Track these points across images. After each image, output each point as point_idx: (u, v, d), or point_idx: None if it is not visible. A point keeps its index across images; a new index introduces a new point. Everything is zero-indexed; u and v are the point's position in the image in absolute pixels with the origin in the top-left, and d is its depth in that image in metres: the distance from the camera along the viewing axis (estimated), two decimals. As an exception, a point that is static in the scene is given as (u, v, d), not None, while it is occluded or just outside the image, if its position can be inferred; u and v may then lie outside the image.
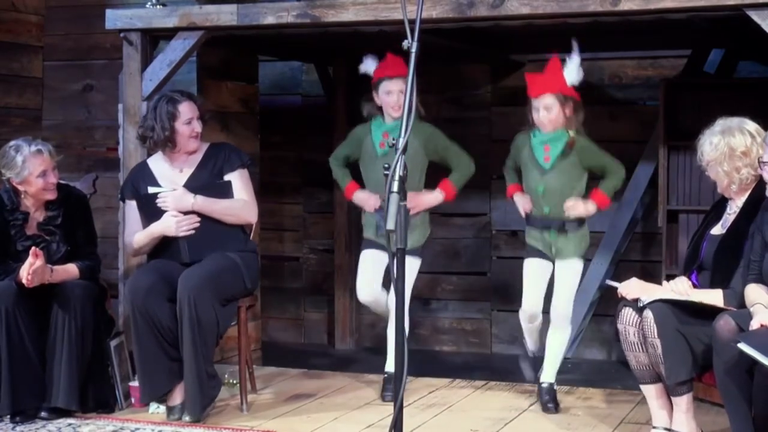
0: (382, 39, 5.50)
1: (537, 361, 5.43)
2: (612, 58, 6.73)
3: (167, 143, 5.23)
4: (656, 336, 4.30)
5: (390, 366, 5.47)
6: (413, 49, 3.42)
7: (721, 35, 5.92)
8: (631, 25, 5.31)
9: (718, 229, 4.58)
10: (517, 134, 5.36)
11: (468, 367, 6.51)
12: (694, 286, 4.51)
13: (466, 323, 7.18)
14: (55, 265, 5.09)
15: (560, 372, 5.40)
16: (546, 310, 5.34)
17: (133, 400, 5.29)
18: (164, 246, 5.23)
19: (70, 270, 5.16)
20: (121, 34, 5.72)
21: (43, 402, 5.06)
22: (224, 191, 5.26)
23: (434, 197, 5.45)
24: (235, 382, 5.54)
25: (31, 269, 4.88)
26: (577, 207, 5.17)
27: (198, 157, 5.32)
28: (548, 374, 5.33)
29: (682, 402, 4.39)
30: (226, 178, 5.29)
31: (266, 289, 6.97)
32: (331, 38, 5.88)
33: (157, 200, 5.18)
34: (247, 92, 6.57)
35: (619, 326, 4.50)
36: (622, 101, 6.79)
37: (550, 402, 5.25)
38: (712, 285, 4.45)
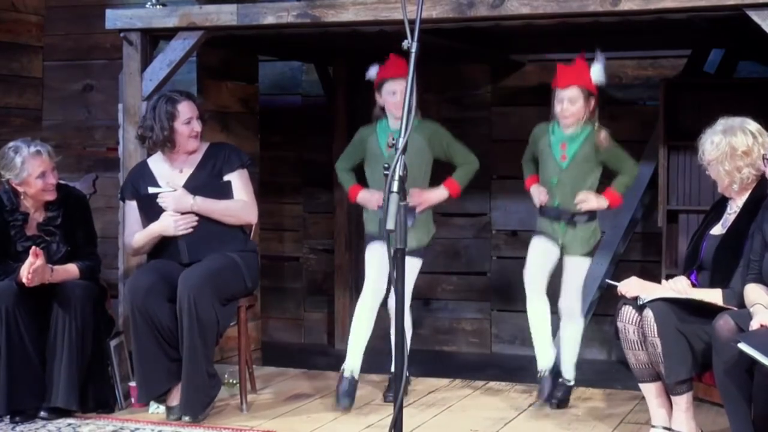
0: (382, 39, 5.50)
1: (555, 380, 5.38)
2: (612, 58, 6.69)
3: (166, 143, 5.23)
4: (656, 335, 4.30)
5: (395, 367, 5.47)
6: (413, 49, 3.42)
7: (721, 35, 5.92)
8: (631, 25, 5.31)
9: (718, 229, 4.58)
10: (537, 125, 5.38)
11: (468, 367, 6.51)
12: (694, 285, 4.51)
13: (466, 323, 7.18)
14: (55, 265, 5.09)
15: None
16: (554, 310, 5.35)
17: (132, 400, 5.29)
18: (164, 246, 5.23)
19: (71, 270, 5.16)
20: (121, 34, 5.72)
21: (42, 402, 5.06)
22: (224, 192, 5.26)
23: (439, 194, 5.46)
24: (235, 382, 5.54)
25: (31, 268, 4.88)
26: (589, 200, 5.20)
27: (198, 158, 5.32)
28: (568, 372, 5.33)
29: (682, 401, 4.39)
30: (226, 178, 5.28)
31: (266, 289, 6.97)
32: (331, 38, 5.88)
33: (157, 200, 5.18)
34: (247, 92, 6.57)
35: (619, 324, 4.49)
36: (622, 101, 6.79)
37: (560, 399, 5.26)
38: (712, 285, 4.45)
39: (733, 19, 4.87)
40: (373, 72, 5.41)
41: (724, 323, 4.05)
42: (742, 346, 3.86)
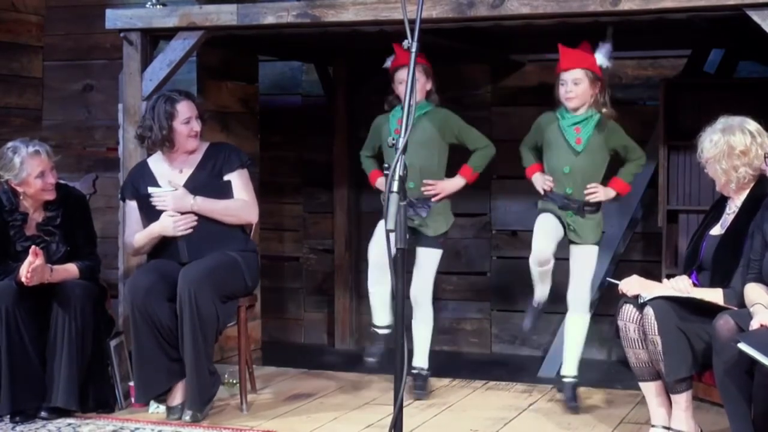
0: (382, 39, 5.50)
1: (541, 313, 5.41)
2: (612, 58, 6.71)
3: (165, 143, 5.23)
4: (656, 333, 4.30)
5: (416, 361, 5.50)
6: (413, 49, 3.42)
7: (721, 35, 5.92)
8: (631, 25, 5.31)
9: (717, 229, 4.58)
10: (542, 114, 5.38)
11: (468, 367, 6.51)
12: (695, 285, 4.51)
13: (466, 323, 7.18)
14: (55, 265, 5.09)
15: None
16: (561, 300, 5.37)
17: (133, 399, 5.28)
18: (164, 246, 5.23)
19: (70, 270, 5.16)
20: (121, 34, 5.72)
21: (42, 402, 5.06)
22: (224, 191, 5.26)
23: (455, 183, 5.49)
24: (235, 381, 5.54)
25: (30, 268, 4.88)
26: (599, 192, 5.22)
27: (197, 158, 5.32)
28: (570, 368, 5.31)
29: (682, 400, 4.39)
30: (226, 178, 5.29)
31: (266, 289, 6.96)
32: (331, 38, 5.88)
33: (152, 200, 5.18)
34: (247, 92, 6.57)
35: (620, 323, 4.49)
36: (622, 101, 6.77)
37: (572, 400, 5.23)
38: (712, 285, 4.45)
39: (733, 19, 4.87)
40: (388, 62, 5.46)
41: (724, 323, 4.05)
42: (742, 346, 3.86)
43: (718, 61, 6.57)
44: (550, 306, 5.48)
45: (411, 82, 3.43)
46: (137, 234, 5.26)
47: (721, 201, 4.66)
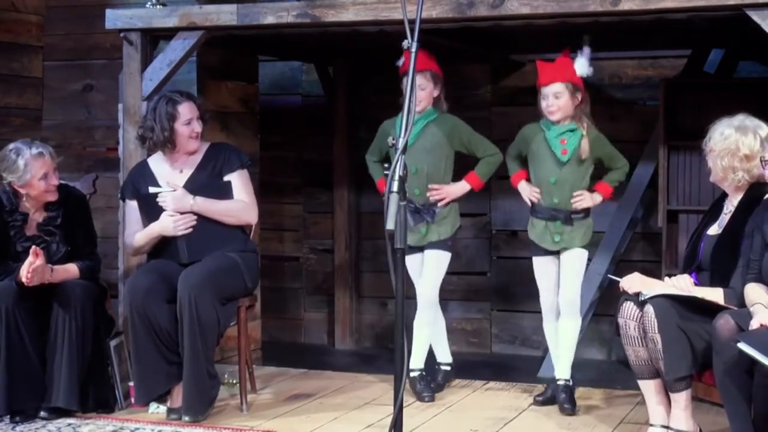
0: (382, 39, 5.50)
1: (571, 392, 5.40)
2: (612, 58, 6.72)
3: (167, 144, 5.23)
4: (657, 331, 4.29)
5: (413, 362, 5.52)
6: (413, 49, 3.42)
7: (721, 35, 5.92)
8: (631, 25, 5.31)
9: (714, 229, 4.58)
10: (526, 125, 5.42)
11: (468, 367, 6.51)
12: (696, 285, 4.51)
13: (466, 323, 7.18)
14: (55, 265, 5.08)
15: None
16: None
17: (132, 400, 5.28)
18: (163, 246, 5.23)
19: (71, 270, 5.16)
20: (121, 34, 5.71)
21: (42, 402, 5.06)
22: (224, 192, 5.26)
23: (461, 187, 5.51)
24: (235, 382, 5.54)
25: (30, 268, 4.88)
26: (585, 199, 5.26)
27: (198, 158, 5.32)
28: (563, 370, 5.33)
29: (681, 398, 4.38)
30: (226, 178, 5.29)
31: (266, 289, 6.96)
32: (331, 38, 5.88)
33: (158, 200, 5.18)
34: (247, 92, 6.57)
35: (620, 320, 4.49)
36: (622, 101, 6.78)
37: (566, 402, 5.24)
38: (712, 285, 4.45)
39: (733, 19, 4.87)
40: (401, 61, 5.46)
41: (725, 323, 4.05)
42: (742, 346, 3.86)
43: (718, 61, 6.57)
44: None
45: (411, 83, 3.42)
46: (137, 234, 5.26)
47: (719, 201, 4.66)
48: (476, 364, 6.68)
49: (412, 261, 5.46)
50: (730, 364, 4.01)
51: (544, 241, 5.30)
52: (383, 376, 5.86)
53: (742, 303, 4.24)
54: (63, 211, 5.24)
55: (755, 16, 4.69)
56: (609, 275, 5.23)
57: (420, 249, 5.48)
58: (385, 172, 3.37)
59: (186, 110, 5.23)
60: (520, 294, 6.88)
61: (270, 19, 5.43)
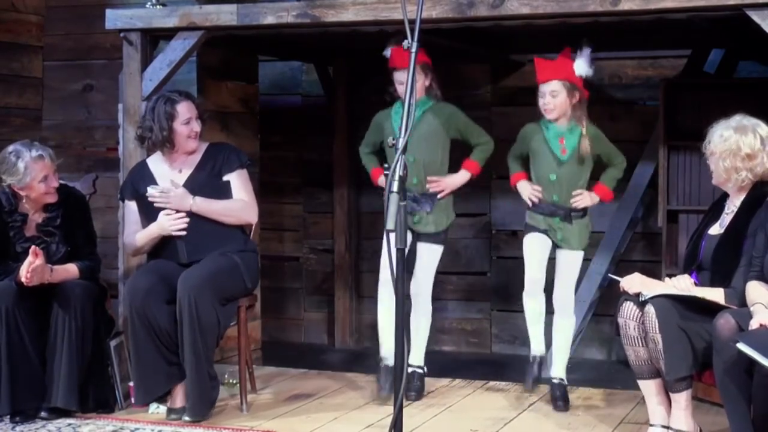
0: (382, 39, 5.50)
1: (541, 366, 5.42)
2: (612, 58, 6.72)
3: (165, 143, 5.23)
4: (657, 331, 4.29)
5: (412, 359, 5.47)
6: (413, 49, 3.42)
7: (721, 35, 5.92)
8: (631, 25, 5.31)
9: (716, 229, 4.57)
10: (526, 124, 5.44)
11: (468, 367, 6.51)
12: (695, 285, 4.51)
13: (466, 323, 7.18)
14: (55, 265, 5.08)
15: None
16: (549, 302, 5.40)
17: (133, 400, 5.28)
18: (163, 246, 5.23)
19: (70, 270, 5.16)
20: (121, 34, 5.71)
21: (42, 402, 5.06)
22: (223, 192, 5.26)
23: (461, 177, 5.52)
24: (235, 382, 5.54)
25: (30, 268, 4.88)
26: (584, 198, 5.28)
27: (197, 158, 5.32)
28: (558, 369, 5.36)
29: (681, 399, 4.38)
30: (225, 178, 5.28)
31: (266, 289, 6.96)
32: (331, 38, 5.88)
33: (150, 198, 5.18)
34: (247, 92, 6.57)
35: (620, 320, 4.49)
36: (622, 101, 6.79)
37: (560, 399, 5.27)
38: (713, 284, 4.45)
39: (733, 19, 4.87)
40: (387, 52, 5.45)
41: (725, 322, 4.05)
42: (741, 346, 3.86)
43: (718, 61, 6.57)
44: (550, 306, 5.47)
45: (411, 83, 3.42)
46: (137, 234, 5.26)
47: (720, 200, 4.66)
48: (476, 364, 6.68)
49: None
50: (730, 363, 4.01)
51: (541, 225, 5.32)
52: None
53: (743, 303, 4.23)
54: (62, 211, 5.23)
55: (755, 16, 4.69)
56: (609, 275, 5.24)
57: (411, 232, 5.44)
58: (385, 172, 3.37)
59: (184, 110, 5.22)
60: (520, 294, 6.86)
61: (270, 19, 5.42)
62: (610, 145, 5.36)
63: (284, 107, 7.43)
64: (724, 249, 4.46)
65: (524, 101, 6.83)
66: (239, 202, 5.27)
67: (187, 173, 5.28)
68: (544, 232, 5.32)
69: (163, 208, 5.16)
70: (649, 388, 4.49)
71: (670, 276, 4.68)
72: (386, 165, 3.39)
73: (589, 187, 5.35)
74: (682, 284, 4.45)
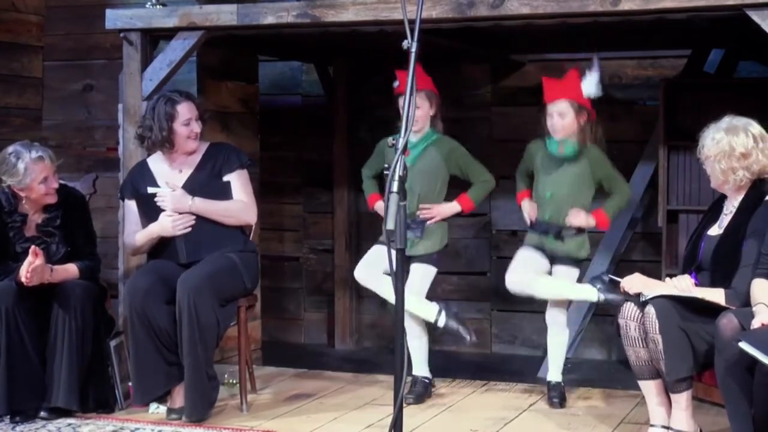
0: (382, 39, 5.50)
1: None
2: (612, 58, 6.72)
3: (165, 144, 5.23)
4: (657, 332, 4.29)
5: (416, 371, 5.49)
6: (413, 49, 3.42)
7: (721, 35, 5.92)
8: (631, 25, 5.31)
9: (715, 230, 4.58)
10: (532, 141, 5.44)
11: (468, 367, 6.51)
12: (695, 285, 4.50)
13: (466, 323, 7.16)
14: (55, 266, 5.08)
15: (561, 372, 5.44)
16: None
17: (132, 400, 5.28)
18: (163, 246, 5.23)
19: (70, 270, 5.16)
20: (121, 34, 5.71)
21: (43, 402, 5.06)
22: (223, 192, 5.26)
23: (451, 208, 5.50)
24: (235, 382, 5.54)
25: (30, 268, 4.88)
26: (579, 217, 5.26)
27: (197, 158, 5.32)
28: (553, 373, 5.41)
29: (682, 399, 4.38)
30: (225, 179, 5.28)
31: (266, 289, 6.96)
32: (331, 38, 5.87)
33: (156, 199, 5.18)
34: (247, 92, 6.57)
35: (620, 321, 4.49)
36: (622, 101, 6.78)
37: (556, 397, 5.33)
38: (713, 285, 4.44)
39: (733, 19, 4.87)
40: (396, 84, 5.44)
41: (728, 321, 4.05)
42: (743, 345, 3.86)
43: (718, 61, 6.57)
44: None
45: (411, 83, 3.42)
46: (137, 234, 5.26)
47: (719, 201, 4.66)
48: (476, 364, 6.68)
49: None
50: (732, 362, 4.01)
51: (536, 244, 5.35)
52: (383, 376, 5.86)
53: (744, 304, 4.23)
54: (62, 211, 5.23)
55: (755, 16, 4.69)
56: (610, 275, 5.23)
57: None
58: (385, 172, 3.36)
59: (185, 110, 5.22)
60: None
61: (270, 19, 5.42)
62: (612, 171, 5.31)
63: (284, 107, 7.43)
64: (724, 250, 4.46)
65: (524, 101, 6.86)
66: (239, 203, 5.27)
67: (187, 173, 5.28)
68: (540, 250, 5.33)
69: (163, 209, 5.17)
70: (650, 388, 4.49)
71: (671, 276, 4.68)
72: (386, 165, 3.39)
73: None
74: (683, 284, 4.45)
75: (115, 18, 5.72)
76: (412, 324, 5.43)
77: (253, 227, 5.49)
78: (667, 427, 4.46)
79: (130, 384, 5.29)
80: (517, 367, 6.53)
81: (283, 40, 6.14)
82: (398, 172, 3.33)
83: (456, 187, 5.57)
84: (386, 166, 3.38)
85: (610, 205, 5.36)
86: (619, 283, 4.58)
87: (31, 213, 5.21)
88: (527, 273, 5.29)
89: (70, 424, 5.02)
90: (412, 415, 5.13)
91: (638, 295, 4.43)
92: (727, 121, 4.50)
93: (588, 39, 5.26)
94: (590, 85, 5.21)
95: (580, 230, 5.31)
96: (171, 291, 5.01)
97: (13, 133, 7.00)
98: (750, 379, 3.98)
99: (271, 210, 7.27)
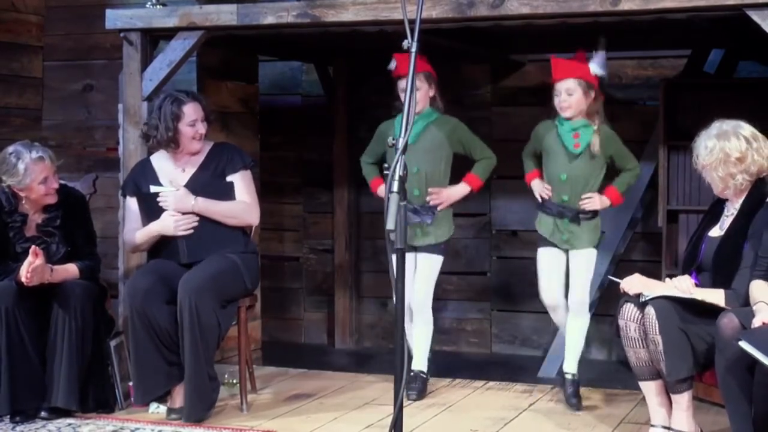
0: (382, 39, 5.50)
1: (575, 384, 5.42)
2: (612, 58, 6.69)
3: (170, 143, 5.23)
4: (657, 332, 4.29)
5: (415, 364, 5.50)
6: (413, 49, 3.42)
7: (721, 35, 5.92)
8: (631, 25, 5.31)
9: (716, 231, 4.57)
10: (540, 122, 5.44)
11: (468, 367, 6.51)
12: (696, 286, 4.50)
13: (466, 323, 7.18)
14: (55, 265, 5.08)
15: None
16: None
17: (132, 400, 5.28)
18: (163, 245, 5.23)
19: (70, 270, 5.16)
20: (121, 34, 5.71)
21: (43, 402, 5.06)
22: (226, 192, 5.26)
23: (460, 189, 5.52)
24: (235, 382, 5.54)
25: (30, 268, 4.88)
26: (594, 201, 5.28)
27: (201, 158, 5.32)
28: (570, 364, 5.37)
29: (682, 400, 4.38)
30: (228, 179, 5.28)
31: (266, 289, 6.96)
32: (331, 38, 5.88)
33: (158, 199, 5.18)
34: (247, 92, 6.57)
35: (620, 322, 4.49)
36: (622, 101, 6.78)
37: (573, 397, 5.29)
38: (714, 286, 4.44)
39: (733, 19, 4.87)
40: (392, 65, 5.44)
41: (728, 321, 4.05)
42: (743, 344, 3.86)
43: (718, 61, 6.57)
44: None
45: (411, 83, 3.42)
46: (137, 232, 5.26)
47: (720, 202, 4.66)
48: (476, 364, 6.68)
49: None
50: (732, 362, 4.01)
51: (553, 237, 5.33)
52: (383, 376, 5.86)
53: (744, 305, 4.23)
54: (62, 211, 5.23)
55: (755, 16, 4.69)
56: (609, 276, 5.24)
57: (412, 248, 5.47)
58: (385, 171, 3.37)
59: (191, 111, 5.22)
60: (520, 294, 6.88)
61: (270, 19, 5.43)
62: (623, 147, 5.35)
63: (284, 107, 7.43)
64: (725, 252, 4.46)
65: (524, 101, 6.86)
66: (241, 204, 5.27)
67: (190, 172, 5.28)
68: (555, 245, 5.31)
69: (165, 208, 5.17)
70: (650, 389, 4.49)
71: (671, 276, 4.68)
72: (386, 165, 3.39)
73: (601, 191, 5.33)
74: (683, 285, 4.45)
75: (115, 18, 5.72)
76: (419, 314, 5.43)
77: (254, 228, 5.49)
78: (668, 428, 4.46)
79: (130, 384, 5.29)
80: (517, 367, 6.53)
81: (283, 40, 6.14)
82: (398, 172, 3.33)
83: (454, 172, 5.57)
84: (386, 165, 3.38)
85: (622, 182, 5.38)
86: (618, 283, 4.58)
87: (31, 213, 5.21)
88: (559, 304, 5.34)
89: (70, 424, 5.02)
90: (412, 415, 5.13)
91: (638, 295, 4.43)
92: (717, 126, 4.49)
93: (588, 39, 5.25)
94: (598, 63, 5.23)
95: (594, 213, 5.32)
96: (171, 291, 5.01)
97: (13, 133, 7.00)
98: (750, 378, 3.99)
99: (271, 210, 7.27)
